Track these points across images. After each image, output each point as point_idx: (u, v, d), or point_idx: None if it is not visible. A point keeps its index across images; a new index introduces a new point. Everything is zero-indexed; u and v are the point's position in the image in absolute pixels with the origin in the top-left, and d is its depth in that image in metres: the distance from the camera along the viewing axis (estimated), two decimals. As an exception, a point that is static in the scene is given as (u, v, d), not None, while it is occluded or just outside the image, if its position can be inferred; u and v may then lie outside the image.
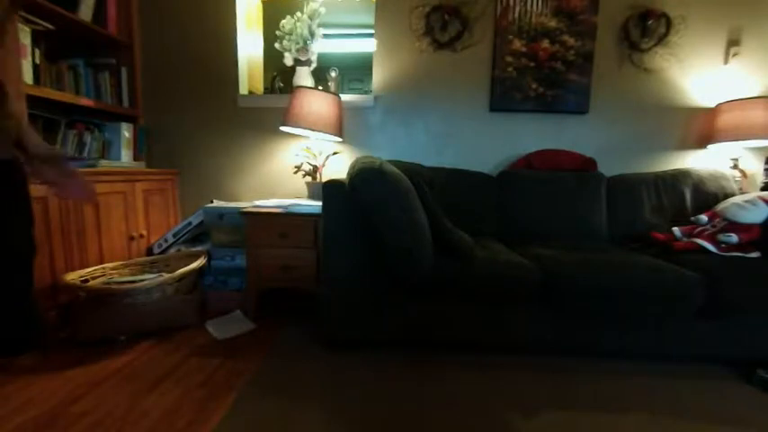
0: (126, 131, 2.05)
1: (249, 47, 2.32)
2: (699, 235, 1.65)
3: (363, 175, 1.32)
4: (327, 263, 1.48)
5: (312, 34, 2.16)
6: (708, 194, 1.91)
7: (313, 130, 1.88)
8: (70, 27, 1.78)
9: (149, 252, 2.04)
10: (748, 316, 1.41)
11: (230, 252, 1.90)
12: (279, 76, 2.39)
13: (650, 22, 2.03)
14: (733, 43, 2.05)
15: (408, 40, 2.14)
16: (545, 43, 2.07)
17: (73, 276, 1.54)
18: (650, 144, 2.15)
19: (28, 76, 1.58)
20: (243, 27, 2.22)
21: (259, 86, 2.44)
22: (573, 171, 2.02)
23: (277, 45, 2.19)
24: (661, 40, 2.05)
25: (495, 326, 1.46)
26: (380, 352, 1.49)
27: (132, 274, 1.76)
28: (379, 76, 2.18)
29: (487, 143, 2.19)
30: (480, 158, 2.19)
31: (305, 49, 2.18)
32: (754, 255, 1.52)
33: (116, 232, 1.84)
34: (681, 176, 1.98)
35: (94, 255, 1.73)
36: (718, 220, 1.65)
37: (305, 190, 2.10)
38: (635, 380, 1.37)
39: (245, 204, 1.99)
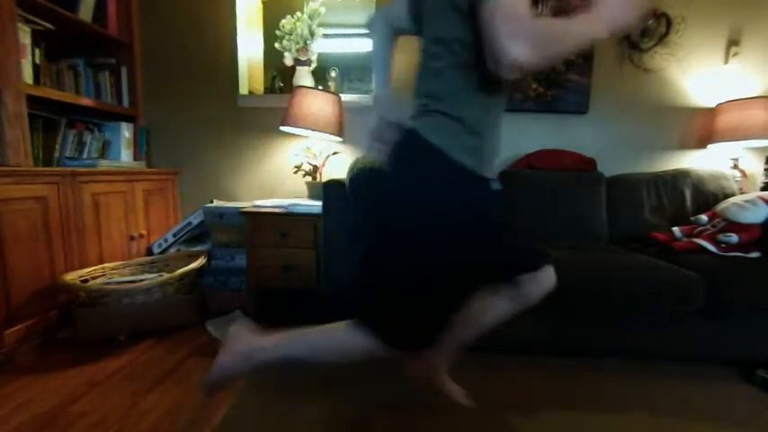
0: (126, 131, 2.05)
1: (249, 47, 2.31)
2: (699, 235, 1.65)
3: (364, 175, 1.32)
4: (327, 263, 1.48)
5: (312, 34, 2.16)
6: (708, 194, 1.91)
7: (313, 130, 1.88)
8: (70, 27, 1.78)
9: (149, 252, 2.04)
10: (748, 316, 1.41)
11: (230, 252, 1.90)
12: (279, 76, 2.39)
13: (650, 21, 2.03)
14: (733, 43, 2.05)
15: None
16: (545, 43, 2.07)
17: (73, 276, 1.54)
18: (650, 144, 2.15)
19: (28, 76, 1.58)
20: (243, 27, 2.22)
21: (259, 86, 2.44)
22: (573, 171, 2.02)
23: (277, 45, 2.19)
24: (661, 39, 2.05)
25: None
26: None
27: (132, 274, 1.76)
28: (379, 76, 2.17)
29: (487, 143, 2.19)
30: (480, 158, 2.18)
31: (305, 48, 2.17)
32: (755, 255, 1.52)
33: (116, 232, 1.84)
34: (681, 176, 1.97)
35: (94, 255, 1.73)
36: (718, 220, 1.65)
37: (305, 190, 2.10)
38: (635, 380, 1.37)
39: (245, 204, 1.99)
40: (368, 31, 1.06)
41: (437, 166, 0.81)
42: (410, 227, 0.83)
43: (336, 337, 0.87)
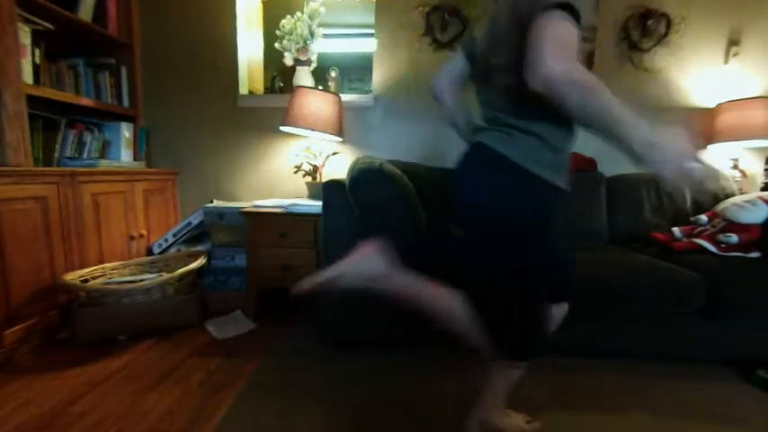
0: (126, 131, 2.05)
1: (249, 47, 2.31)
2: (699, 235, 1.65)
3: (364, 175, 1.32)
4: (327, 263, 1.48)
5: (312, 34, 2.16)
6: (708, 194, 1.91)
7: (313, 130, 1.88)
8: (70, 27, 1.78)
9: (149, 252, 2.04)
10: (748, 316, 1.41)
11: (230, 252, 1.90)
12: (279, 76, 2.39)
13: (650, 22, 2.03)
14: (733, 43, 2.05)
15: (408, 40, 2.14)
16: (545, 43, 2.07)
17: (73, 276, 1.54)
18: (650, 144, 2.15)
19: (28, 76, 1.58)
20: (243, 27, 2.22)
21: (259, 86, 2.44)
22: (573, 171, 2.02)
23: (277, 45, 2.19)
24: (661, 40, 2.05)
25: (495, 326, 1.46)
26: (380, 352, 1.49)
27: (132, 274, 1.77)
28: (379, 76, 2.18)
29: (487, 143, 2.19)
30: (480, 158, 2.18)
31: (305, 48, 2.17)
32: (755, 255, 1.52)
33: (116, 232, 1.84)
34: (681, 176, 1.97)
35: (94, 255, 1.73)
36: (718, 220, 1.65)
37: (305, 190, 2.10)
38: (635, 380, 1.37)
39: (245, 204, 1.99)
40: (435, 96, 1.10)
41: (506, 176, 0.83)
42: (479, 236, 0.86)
43: (452, 311, 0.92)
